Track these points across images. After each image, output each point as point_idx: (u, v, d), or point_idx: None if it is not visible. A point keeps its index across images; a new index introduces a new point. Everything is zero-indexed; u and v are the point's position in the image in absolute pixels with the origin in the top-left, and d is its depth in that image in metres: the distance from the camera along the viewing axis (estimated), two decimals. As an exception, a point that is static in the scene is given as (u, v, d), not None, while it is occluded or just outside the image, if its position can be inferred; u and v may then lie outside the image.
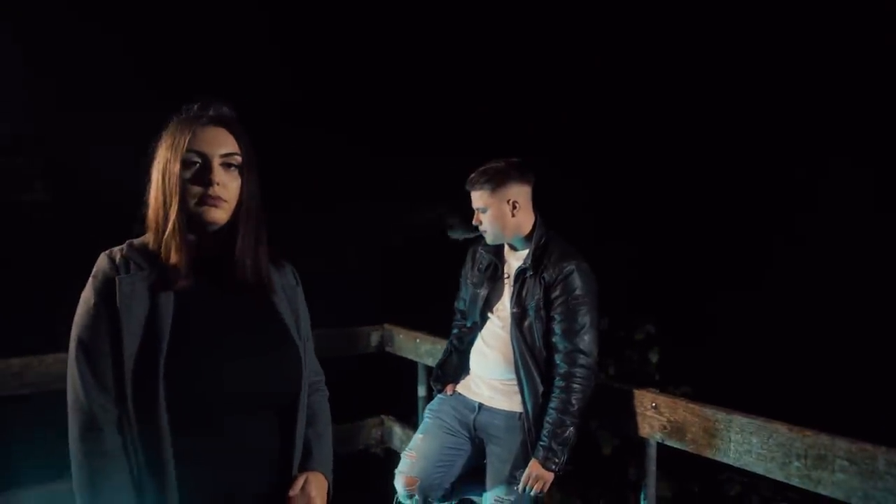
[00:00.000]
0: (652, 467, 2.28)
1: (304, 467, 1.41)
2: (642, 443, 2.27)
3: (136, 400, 1.23)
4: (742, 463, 1.96)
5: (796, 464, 1.82)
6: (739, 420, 1.97)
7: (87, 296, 1.29)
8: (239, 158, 1.34)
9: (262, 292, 1.39)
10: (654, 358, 5.39)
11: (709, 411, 2.06)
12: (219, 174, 1.31)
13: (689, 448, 2.12)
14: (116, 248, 1.34)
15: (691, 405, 2.11)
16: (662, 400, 2.20)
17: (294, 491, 1.35)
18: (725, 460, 2.01)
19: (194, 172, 1.31)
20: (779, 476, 1.87)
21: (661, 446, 2.25)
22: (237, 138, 1.35)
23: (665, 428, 2.18)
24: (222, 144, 1.33)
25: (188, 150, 1.30)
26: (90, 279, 1.30)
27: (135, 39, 6.43)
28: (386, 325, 3.61)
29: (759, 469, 1.92)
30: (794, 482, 1.83)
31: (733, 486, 3.71)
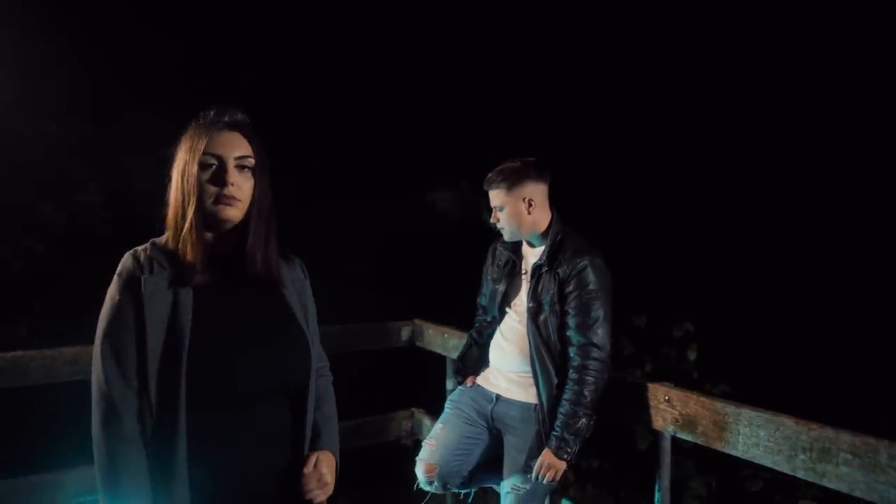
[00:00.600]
0: (666, 459, 2.31)
1: (314, 447, 1.51)
2: (657, 435, 2.31)
3: (159, 391, 1.32)
4: (750, 455, 1.98)
5: (802, 457, 1.83)
6: (748, 413, 1.99)
7: (112, 293, 1.38)
8: (252, 161, 1.43)
9: (273, 286, 1.49)
10: (692, 356, 5.35)
11: (718, 404, 2.08)
12: (233, 175, 1.40)
13: (700, 441, 2.14)
14: (140, 248, 1.43)
15: (702, 398, 2.14)
16: (675, 393, 2.23)
17: (307, 468, 1.46)
18: (734, 453, 2.03)
19: (211, 173, 1.40)
20: (785, 468, 1.88)
21: (675, 439, 2.29)
22: (250, 142, 1.44)
23: (677, 421, 2.21)
24: (237, 147, 1.42)
25: (205, 153, 1.40)
26: (115, 277, 1.39)
27: (186, 44, 6.72)
28: (416, 321, 3.71)
29: (766, 462, 1.94)
30: (800, 475, 1.84)
31: (756, 483, 3.67)
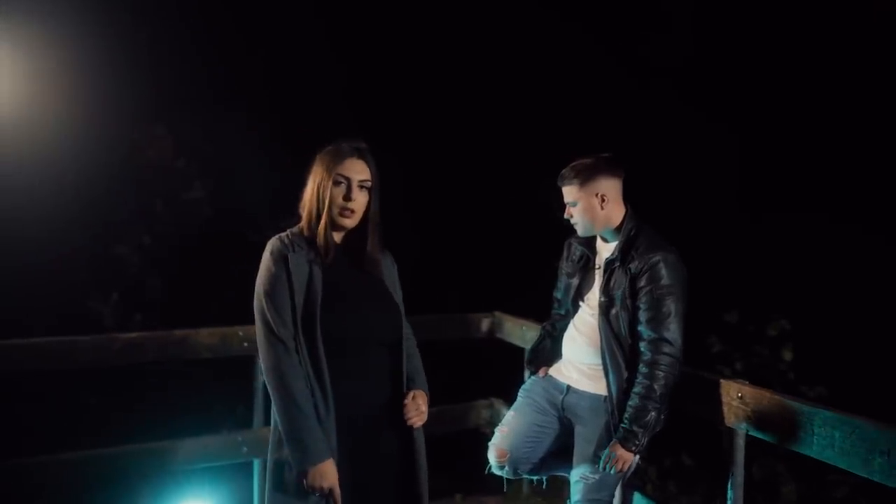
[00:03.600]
0: (739, 457, 2.28)
1: (411, 387, 2.01)
2: (730, 433, 2.29)
3: (304, 334, 1.86)
4: (824, 457, 1.95)
5: (879, 460, 1.78)
6: (823, 413, 1.95)
7: (268, 264, 1.90)
8: (370, 183, 1.96)
9: (377, 270, 2.03)
10: (787, 356, 5.14)
11: (794, 404, 2.05)
12: (355, 192, 1.94)
13: (774, 440, 2.12)
14: (283, 234, 1.96)
15: (776, 397, 2.11)
16: (748, 391, 2.21)
17: (408, 400, 1.97)
18: (809, 453, 2.00)
19: (340, 189, 1.93)
20: (861, 472, 1.84)
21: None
22: (370, 168, 1.97)
23: (750, 418, 2.19)
24: (360, 172, 1.95)
25: (337, 174, 1.93)
26: (267, 254, 1.91)
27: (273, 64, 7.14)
28: (496, 313, 3.81)
29: (841, 463, 1.90)
30: (876, 478, 1.80)
31: (840, 488, 3.50)
